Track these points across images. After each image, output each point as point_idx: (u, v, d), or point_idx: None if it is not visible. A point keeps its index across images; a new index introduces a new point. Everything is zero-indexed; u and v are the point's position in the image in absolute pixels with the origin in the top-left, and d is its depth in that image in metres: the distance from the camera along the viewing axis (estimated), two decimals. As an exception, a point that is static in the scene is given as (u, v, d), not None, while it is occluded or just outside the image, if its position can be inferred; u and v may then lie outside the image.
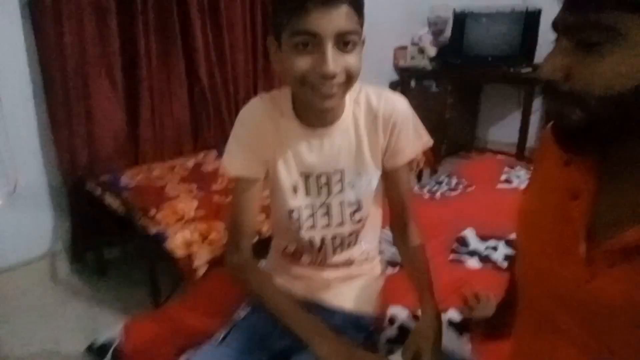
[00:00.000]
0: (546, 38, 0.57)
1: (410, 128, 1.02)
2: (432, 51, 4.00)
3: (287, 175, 1.01)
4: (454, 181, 2.36)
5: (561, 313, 0.65)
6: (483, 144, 4.39)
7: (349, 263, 1.12)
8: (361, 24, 0.85)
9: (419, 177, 3.19)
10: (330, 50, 0.81)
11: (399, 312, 1.24)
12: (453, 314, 1.25)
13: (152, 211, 1.90)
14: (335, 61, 0.81)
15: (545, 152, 0.73)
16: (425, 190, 2.31)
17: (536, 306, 0.72)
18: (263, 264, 1.25)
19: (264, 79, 3.07)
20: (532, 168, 0.82)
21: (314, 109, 0.94)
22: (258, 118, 0.99)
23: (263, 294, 1.04)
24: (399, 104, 1.01)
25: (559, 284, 0.64)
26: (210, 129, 2.82)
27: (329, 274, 1.12)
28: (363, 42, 0.88)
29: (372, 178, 1.04)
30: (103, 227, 2.30)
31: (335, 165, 1.00)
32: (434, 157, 3.16)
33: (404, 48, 4.10)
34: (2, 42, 2.02)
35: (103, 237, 2.37)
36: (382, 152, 1.03)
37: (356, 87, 0.97)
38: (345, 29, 0.81)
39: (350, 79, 0.86)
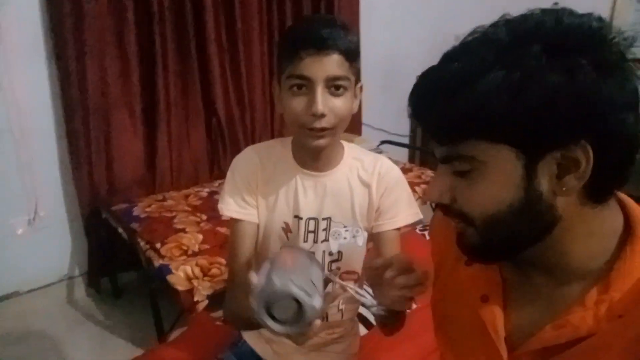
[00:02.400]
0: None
1: (403, 196, 1.05)
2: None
3: (282, 215, 1.03)
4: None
5: None
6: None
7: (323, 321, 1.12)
8: (354, 72, 0.91)
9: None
10: (320, 92, 0.88)
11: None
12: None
13: (158, 244, 1.97)
14: (324, 103, 0.88)
15: (442, 243, 0.73)
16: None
17: None
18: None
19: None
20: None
21: (310, 152, 0.99)
22: (250, 164, 1.03)
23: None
24: (395, 172, 1.05)
25: None
26: (226, 158, 2.88)
27: None
28: (361, 89, 0.96)
29: (357, 235, 1.05)
30: (118, 254, 2.39)
31: (324, 211, 1.02)
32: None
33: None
34: (27, 79, 2.14)
35: (118, 263, 2.46)
36: (372, 213, 1.04)
37: (357, 148, 1.07)
38: (335, 74, 0.88)
39: (339, 121, 0.92)
